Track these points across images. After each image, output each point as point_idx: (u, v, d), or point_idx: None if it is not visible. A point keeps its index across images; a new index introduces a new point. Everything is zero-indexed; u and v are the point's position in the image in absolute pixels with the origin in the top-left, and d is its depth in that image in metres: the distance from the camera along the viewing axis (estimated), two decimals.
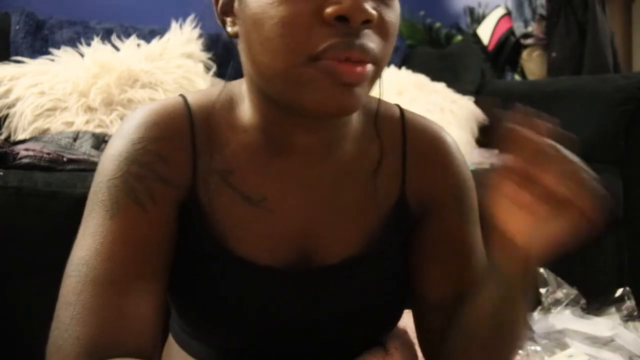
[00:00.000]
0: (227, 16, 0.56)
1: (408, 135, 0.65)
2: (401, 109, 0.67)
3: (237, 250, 0.59)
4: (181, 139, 0.59)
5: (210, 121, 0.60)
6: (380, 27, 0.51)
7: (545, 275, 1.26)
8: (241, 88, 0.61)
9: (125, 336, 0.51)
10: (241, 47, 0.55)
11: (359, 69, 0.49)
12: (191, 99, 0.61)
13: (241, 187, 0.59)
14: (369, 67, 0.50)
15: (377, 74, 0.53)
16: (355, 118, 0.62)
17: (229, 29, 0.57)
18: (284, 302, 0.60)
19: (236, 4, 0.54)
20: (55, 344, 0.53)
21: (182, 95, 0.62)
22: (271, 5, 0.49)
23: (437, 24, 2.58)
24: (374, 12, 0.48)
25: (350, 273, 0.61)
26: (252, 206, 0.59)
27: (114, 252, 0.53)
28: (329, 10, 0.47)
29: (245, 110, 0.60)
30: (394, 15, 0.52)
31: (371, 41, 0.50)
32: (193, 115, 0.60)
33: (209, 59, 1.67)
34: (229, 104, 0.61)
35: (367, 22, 0.48)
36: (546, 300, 1.24)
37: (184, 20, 1.70)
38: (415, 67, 2.00)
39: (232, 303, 0.59)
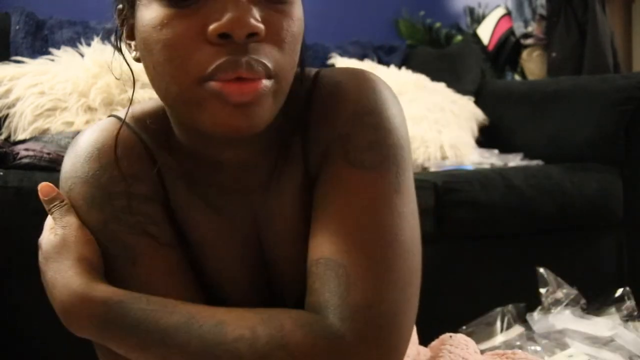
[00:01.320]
0: (131, 40, 0.55)
1: (315, 91, 0.57)
2: (317, 71, 0.59)
3: (207, 259, 0.58)
4: (137, 152, 0.56)
5: (151, 134, 0.58)
6: (273, 37, 0.48)
7: (545, 275, 1.26)
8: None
9: None
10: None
11: (251, 86, 0.46)
12: (119, 114, 0.59)
13: (203, 196, 0.58)
14: (264, 82, 0.47)
15: (280, 87, 0.49)
16: (271, 121, 0.53)
17: (133, 54, 0.55)
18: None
19: (135, 28, 0.52)
20: None
21: (111, 115, 0.60)
22: (154, 29, 0.47)
23: (437, 24, 2.58)
24: (258, 24, 0.45)
25: (302, 264, 0.54)
26: (214, 214, 0.58)
27: (159, 287, 0.52)
28: (210, 28, 0.45)
29: (175, 131, 0.57)
30: (289, 22, 0.49)
31: (263, 55, 0.47)
32: (134, 129, 0.58)
33: None
34: (161, 119, 0.58)
35: (254, 34, 0.46)
36: (546, 300, 1.24)
37: None
38: (415, 67, 2.00)
39: None
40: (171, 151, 0.58)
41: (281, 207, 0.58)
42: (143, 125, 0.58)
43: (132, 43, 0.54)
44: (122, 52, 0.57)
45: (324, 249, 0.51)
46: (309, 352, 0.45)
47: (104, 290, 0.50)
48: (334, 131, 0.55)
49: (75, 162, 0.55)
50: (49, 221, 0.56)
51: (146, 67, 0.51)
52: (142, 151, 0.57)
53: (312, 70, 0.60)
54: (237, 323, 0.47)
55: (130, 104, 0.59)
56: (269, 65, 0.47)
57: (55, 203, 0.55)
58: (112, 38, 0.57)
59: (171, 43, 0.47)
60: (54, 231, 0.54)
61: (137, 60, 0.55)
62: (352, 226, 0.50)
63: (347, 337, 0.46)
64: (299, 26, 0.50)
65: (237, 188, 0.58)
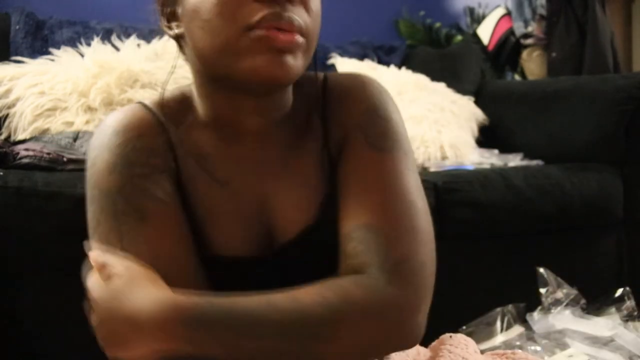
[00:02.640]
0: (171, 22, 0.65)
1: (327, 91, 0.69)
2: (325, 74, 0.72)
3: (213, 242, 0.63)
4: (156, 131, 0.64)
5: (172, 114, 0.66)
6: (304, 4, 0.59)
7: (545, 275, 1.26)
8: (191, 88, 0.68)
9: None
10: (186, 43, 0.64)
11: (290, 35, 0.57)
12: (145, 102, 0.67)
13: (211, 172, 0.65)
14: (298, 37, 0.58)
15: (308, 48, 0.60)
16: (291, 96, 0.68)
17: (173, 31, 0.65)
18: (258, 285, 0.61)
19: (179, 9, 0.63)
20: None
21: (137, 103, 0.68)
22: None
23: (437, 24, 2.58)
24: None
25: (311, 241, 0.65)
26: (222, 189, 0.65)
27: (162, 251, 0.59)
28: None
29: (198, 106, 0.67)
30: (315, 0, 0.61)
31: (297, 14, 0.58)
32: (155, 112, 0.66)
33: None
34: (184, 100, 0.68)
35: None
36: (546, 300, 1.24)
37: None
38: (415, 67, 2.00)
39: (208, 287, 0.61)
40: (188, 128, 0.66)
41: (294, 181, 0.66)
42: (163, 108, 0.67)
43: (173, 24, 0.64)
44: (169, 31, 0.66)
45: (361, 216, 0.60)
46: (368, 303, 0.55)
47: (188, 296, 0.54)
48: (352, 120, 0.66)
49: (102, 136, 0.63)
50: (93, 276, 0.57)
51: (190, 34, 0.61)
52: (160, 130, 0.65)
53: (320, 73, 0.71)
54: (308, 294, 0.55)
55: (166, 83, 0.70)
56: (302, 24, 0.58)
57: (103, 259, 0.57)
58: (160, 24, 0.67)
59: (222, 0, 0.57)
60: (116, 271, 0.56)
61: (177, 37, 0.65)
62: (381, 196, 0.61)
63: (393, 286, 0.56)
64: (320, 2, 0.63)
65: (251, 161, 0.66)
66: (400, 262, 0.58)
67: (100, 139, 0.63)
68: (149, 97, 0.68)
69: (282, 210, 0.65)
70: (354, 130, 0.65)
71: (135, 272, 0.56)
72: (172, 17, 0.64)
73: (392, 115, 0.67)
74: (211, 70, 0.62)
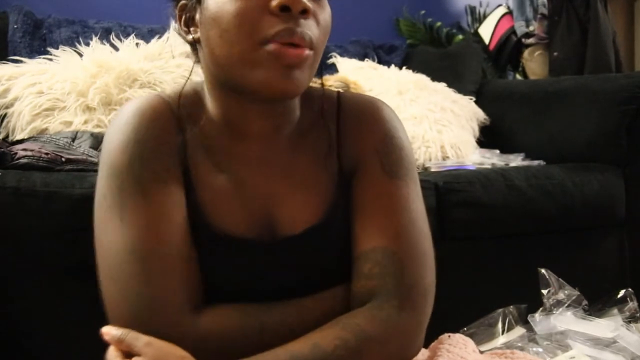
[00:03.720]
0: (189, 27, 0.68)
1: (342, 109, 0.74)
2: (339, 92, 0.77)
3: (217, 223, 0.66)
4: (169, 120, 0.68)
5: (186, 111, 0.70)
6: (316, 18, 0.64)
7: (547, 276, 1.25)
8: (202, 86, 0.71)
9: (200, 293, 0.64)
10: (202, 48, 0.67)
11: (300, 51, 0.61)
12: (162, 95, 0.71)
13: (218, 163, 0.69)
14: (307, 51, 0.62)
15: (315, 61, 0.65)
16: (298, 105, 0.72)
17: (190, 36, 0.68)
18: (257, 271, 0.67)
19: (197, 15, 0.66)
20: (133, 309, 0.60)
21: (155, 94, 0.71)
22: (228, 2, 0.61)
23: (438, 24, 2.57)
24: (309, 3, 0.61)
25: (311, 241, 0.68)
26: (227, 181, 0.68)
27: (160, 229, 0.62)
28: (274, 2, 0.60)
29: (208, 105, 0.70)
30: (325, 13, 0.66)
31: (309, 29, 0.62)
32: (169, 102, 0.69)
33: None
34: (196, 98, 0.71)
35: (305, 12, 0.61)
36: (548, 302, 1.23)
37: None
38: (415, 66, 2.00)
39: (211, 273, 0.65)
40: (199, 124, 0.69)
41: (301, 184, 0.70)
42: (177, 100, 0.70)
43: (191, 29, 0.68)
44: (186, 35, 0.70)
45: (378, 239, 0.66)
46: (383, 337, 0.61)
47: None
48: (369, 144, 0.71)
49: (119, 121, 0.67)
50: (110, 352, 0.60)
51: (207, 41, 0.65)
52: (173, 120, 0.69)
53: (331, 90, 0.76)
54: (327, 339, 0.60)
55: (189, 77, 0.73)
56: (312, 38, 0.62)
57: (121, 334, 0.59)
58: (174, 27, 0.73)
59: (242, 12, 0.60)
60: (139, 350, 0.58)
61: (193, 42, 0.69)
62: (396, 221, 0.67)
63: (405, 312, 0.63)
64: (329, 15, 0.67)
65: (257, 161, 0.69)
66: (412, 286, 0.64)
67: (119, 120, 0.67)
68: (161, 91, 0.73)
69: (287, 208, 0.69)
70: (371, 154, 0.70)
71: (159, 346, 0.58)
72: (190, 22, 0.68)
73: (404, 143, 0.72)
74: (225, 77, 0.65)
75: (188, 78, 0.74)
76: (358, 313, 0.63)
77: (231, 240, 0.66)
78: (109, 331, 0.60)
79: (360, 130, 0.72)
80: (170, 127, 0.68)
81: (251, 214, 0.68)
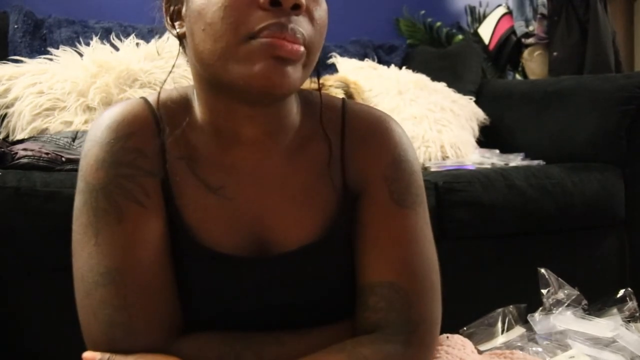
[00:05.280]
0: (175, 21, 0.64)
1: (347, 122, 0.69)
2: (343, 100, 0.71)
3: (203, 240, 0.63)
4: (149, 131, 0.64)
5: (170, 115, 0.65)
6: (310, 15, 0.58)
7: (547, 276, 1.25)
8: (192, 90, 0.67)
9: (177, 319, 0.61)
10: (187, 44, 0.62)
11: (295, 46, 0.56)
12: (149, 97, 0.67)
13: (203, 177, 0.64)
14: (301, 48, 0.57)
15: (309, 61, 0.59)
16: (295, 111, 0.67)
17: (176, 31, 0.64)
18: (246, 289, 0.64)
19: (183, 8, 0.62)
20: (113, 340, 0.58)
21: (142, 98, 0.67)
22: None
23: (438, 23, 2.57)
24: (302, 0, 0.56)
25: (306, 260, 0.64)
26: (213, 195, 0.64)
27: (135, 253, 0.59)
28: None
29: (197, 110, 0.65)
30: (321, 9, 0.60)
31: (301, 26, 0.57)
32: (154, 109, 0.65)
33: None
34: (184, 102, 0.66)
35: (297, 7, 0.56)
36: (547, 301, 1.23)
37: None
38: (415, 66, 2.00)
39: (197, 292, 0.63)
40: (185, 130, 0.64)
41: (297, 197, 0.65)
42: (164, 107, 0.65)
43: (177, 23, 0.64)
44: (172, 29, 0.66)
45: (386, 272, 0.63)
46: None
47: None
48: (378, 169, 0.66)
49: (97, 129, 0.63)
50: None
51: (191, 35, 0.60)
52: (154, 130, 0.64)
53: (335, 98, 0.72)
54: None
55: (164, 82, 0.70)
56: (305, 35, 0.57)
57: (108, 358, 0.58)
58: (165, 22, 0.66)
59: (228, 5, 0.55)
60: None
61: (180, 37, 0.64)
62: (404, 253, 0.64)
63: (411, 348, 0.61)
64: (325, 12, 0.61)
65: (247, 170, 0.65)
66: (419, 323, 0.62)
67: (94, 132, 0.63)
68: (150, 94, 0.69)
69: (281, 226, 0.65)
70: (379, 180, 0.66)
71: None
72: (176, 15, 0.64)
73: (414, 168, 0.68)
74: (209, 74, 0.61)
75: (168, 75, 0.71)
76: (364, 342, 0.61)
77: (218, 256, 0.63)
78: (93, 357, 0.58)
79: (367, 149, 0.67)
80: (149, 140, 0.63)
81: (240, 229, 0.64)
